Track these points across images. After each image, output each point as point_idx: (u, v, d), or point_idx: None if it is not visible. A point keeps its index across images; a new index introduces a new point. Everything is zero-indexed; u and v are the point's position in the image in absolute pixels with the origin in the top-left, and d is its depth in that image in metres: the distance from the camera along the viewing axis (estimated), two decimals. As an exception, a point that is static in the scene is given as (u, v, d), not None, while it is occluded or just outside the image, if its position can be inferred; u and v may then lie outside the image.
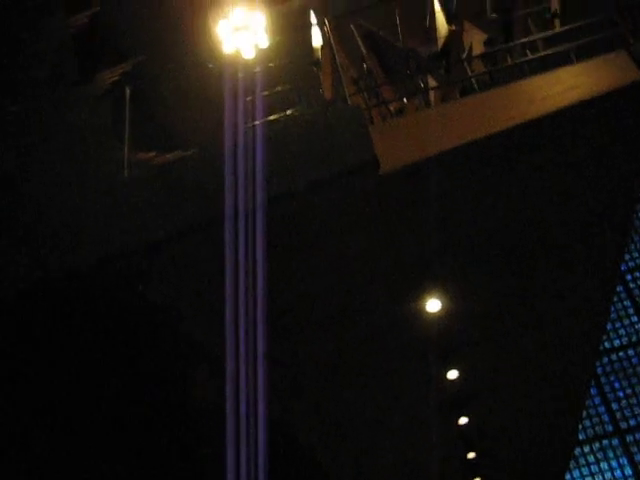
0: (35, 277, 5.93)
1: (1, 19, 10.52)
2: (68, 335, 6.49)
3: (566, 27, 7.44)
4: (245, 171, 6.22)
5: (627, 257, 17.86)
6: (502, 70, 7.70)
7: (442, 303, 8.53)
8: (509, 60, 7.89)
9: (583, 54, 6.93)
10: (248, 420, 6.16)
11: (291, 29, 8.29)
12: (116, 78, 13.00)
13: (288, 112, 7.33)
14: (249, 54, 9.80)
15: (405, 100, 7.80)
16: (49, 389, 7.31)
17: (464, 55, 8.20)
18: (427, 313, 8.69)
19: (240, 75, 7.60)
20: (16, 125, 9.53)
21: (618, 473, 16.41)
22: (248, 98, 7.18)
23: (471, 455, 12.18)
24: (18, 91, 10.16)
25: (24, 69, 10.44)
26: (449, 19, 8.20)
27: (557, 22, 7.72)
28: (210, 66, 9.63)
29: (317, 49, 7.76)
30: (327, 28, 7.40)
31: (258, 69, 7.79)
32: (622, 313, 17.61)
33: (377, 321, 8.68)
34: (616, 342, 17.46)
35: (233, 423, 6.14)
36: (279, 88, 7.60)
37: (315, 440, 9.72)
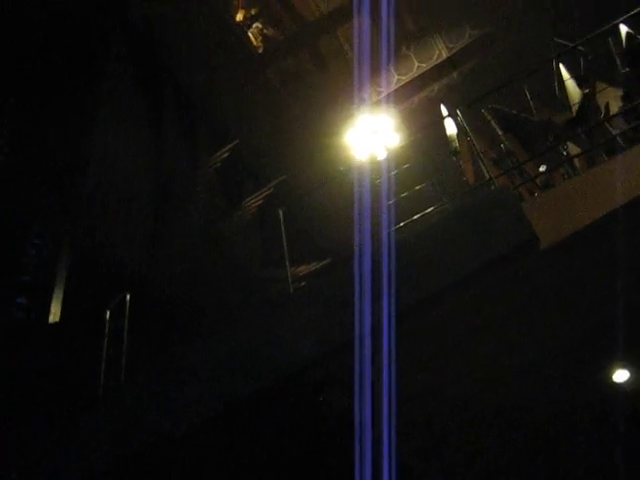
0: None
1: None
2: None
3: None
4: (393, 276, 6.11)
5: None
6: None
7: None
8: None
9: None
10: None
11: (420, 125, 8.44)
12: (261, 202, 13.84)
13: (431, 209, 7.26)
14: (382, 156, 10.13)
15: (550, 172, 7.61)
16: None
17: (602, 115, 7.96)
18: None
19: (377, 179, 7.75)
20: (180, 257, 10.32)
21: None
22: (390, 202, 7.25)
23: None
24: (177, 230, 11.06)
25: (178, 208, 11.39)
26: (580, 83, 8.05)
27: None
28: (343, 172, 9.94)
29: (453, 139, 7.83)
30: (459, 117, 7.46)
31: (394, 171, 7.89)
32: None
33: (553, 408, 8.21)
34: None
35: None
36: (419, 186, 7.63)
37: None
